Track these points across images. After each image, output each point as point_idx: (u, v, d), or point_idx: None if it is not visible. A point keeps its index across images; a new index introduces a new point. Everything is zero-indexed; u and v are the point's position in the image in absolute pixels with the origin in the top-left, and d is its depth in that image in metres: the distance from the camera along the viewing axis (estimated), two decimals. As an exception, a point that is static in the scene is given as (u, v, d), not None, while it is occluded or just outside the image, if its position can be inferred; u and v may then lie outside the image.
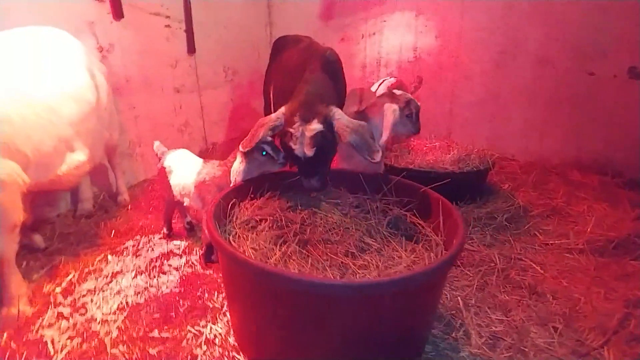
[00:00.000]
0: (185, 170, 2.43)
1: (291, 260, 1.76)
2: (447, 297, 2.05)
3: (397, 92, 2.71)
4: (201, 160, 2.48)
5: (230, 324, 1.89)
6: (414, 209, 2.08)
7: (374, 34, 4.71)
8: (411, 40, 4.49)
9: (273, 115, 2.00)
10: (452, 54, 4.27)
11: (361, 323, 1.43)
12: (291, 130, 1.93)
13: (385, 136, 2.51)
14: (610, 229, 2.61)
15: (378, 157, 1.99)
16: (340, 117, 1.98)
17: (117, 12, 3.36)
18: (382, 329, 1.47)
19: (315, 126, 1.93)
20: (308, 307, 1.43)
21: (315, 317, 1.43)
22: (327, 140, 1.96)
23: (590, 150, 3.79)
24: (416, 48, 4.48)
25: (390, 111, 2.50)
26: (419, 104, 2.65)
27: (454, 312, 1.95)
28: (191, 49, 4.24)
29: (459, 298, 2.02)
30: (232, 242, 1.79)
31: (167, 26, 3.95)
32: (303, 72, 2.22)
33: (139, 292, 2.15)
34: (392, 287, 1.34)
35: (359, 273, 1.70)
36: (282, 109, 2.01)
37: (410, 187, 2.13)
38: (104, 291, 2.15)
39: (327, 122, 1.95)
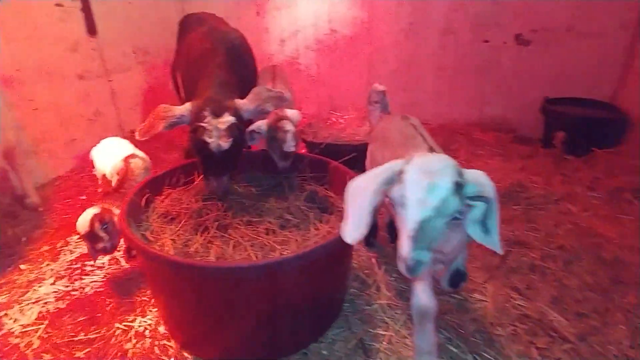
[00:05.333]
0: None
1: (213, 246, 1.84)
2: (362, 259, 2.28)
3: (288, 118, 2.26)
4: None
5: (159, 314, 1.94)
6: (327, 183, 2.24)
7: (289, 6, 4.66)
8: (325, 11, 4.53)
9: (176, 111, 1.95)
10: (365, 25, 4.41)
11: (270, 297, 1.58)
12: (203, 124, 1.91)
13: None
14: (500, 180, 3.02)
15: (287, 95, 2.08)
16: (247, 105, 2.02)
17: (-8, -6, 2.97)
18: (294, 300, 1.63)
19: (228, 118, 1.94)
20: (219, 290, 1.54)
21: (228, 298, 1.55)
22: (240, 132, 1.99)
23: (490, 111, 4.25)
24: (331, 20, 4.54)
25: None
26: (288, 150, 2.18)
27: (367, 271, 2.18)
28: (92, 29, 3.88)
29: (373, 259, 2.26)
30: (150, 237, 1.82)
31: (59, 5, 3.56)
32: (207, 59, 2.19)
33: (60, 298, 2.10)
34: (294, 263, 1.49)
35: (279, 249, 1.83)
36: (188, 106, 1.97)
37: (322, 163, 2.28)
38: (19, 303, 2.06)
39: (238, 115, 1.98)
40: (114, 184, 2.28)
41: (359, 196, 1.20)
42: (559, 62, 3.78)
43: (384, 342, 1.76)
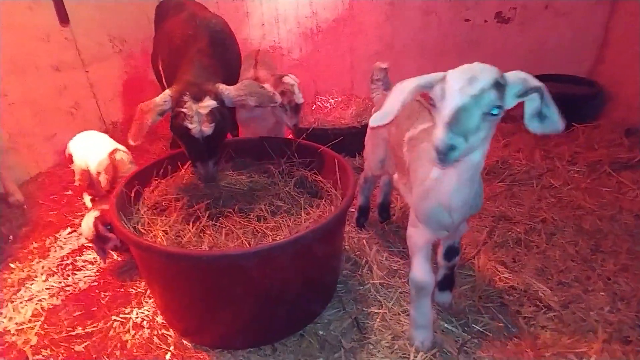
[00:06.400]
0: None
1: (205, 235, 1.85)
2: (353, 240, 2.33)
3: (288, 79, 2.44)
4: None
5: (155, 305, 1.96)
6: (315, 167, 2.25)
7: (268, -12, 4.56)
8: (306, -7, 4.45)
9: (158, 99, 1.89)
10: (346, 7, 4.36)
11: (265, 283, 1.61)
12: (184, 110, 1.86)
13: None
14: (484, 158, 3.09)
15: (278, 98, 2.08)
16: (229, 91, 1.97)
17: (-46, -17, 2.82)
18: (288, 284, 1.67)
19: (209, 102, 1.89)
20: (214, 278, 1.57)
21: (224, 285, 1.57)
22: (222, 116, 1.95)
23: (473, 89, 4.28)
24: (312, 2, 4.46)
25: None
26: (298, 101, 2.41)
27: (358, 252, 2.23)
28: (63, 18, 3.72)
29: (364, 240, 2.31)
30: (141, 229, 1.81)
31: (26, -6, 3.40)
32: (189, 47, 2.14)
33: (54, 294, 2.09)
34: (287, 248, 1.52)
35: (271, 235, 1.85)
36: (168, 91, 1.92)
37: (310, 148, 2.28)
38: (12, 301, 2.05)
39: (219, 99, 1.93)
40: (103, 184, 2.26)
41: (397, 92, 1.30)
42: (538, 40, 3.83)
43: (378, 320, 1.82)
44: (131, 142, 1.84)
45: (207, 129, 1.89)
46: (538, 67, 3.81)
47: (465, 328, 1.77)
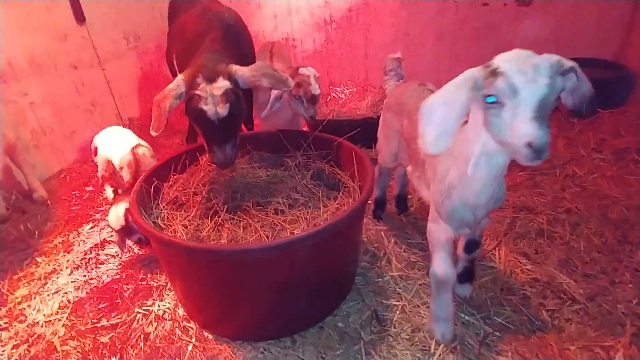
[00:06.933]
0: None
1: (224, 229, 1.86)
2: (371, 232, 2.31)
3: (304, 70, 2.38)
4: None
5: (176, 298, 1.99)
6: (332, 160, 2.23)
7: (280, -21, 4.51)
8: (318, -18, 4.38)
9: (171, 85, 1.87)
10: (360, -5, 4.28)
11: (284, 276, 1.61)
12: (198, 92, 1.82)
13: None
14: (504, 147, 3.01)
15: (291, 82, 2.03)
16: (242, 71, 1.94)
17: (-25, -15, 2.88)
18: (307, 277, 1.67)
19: (223, 83, 1.85)
20: (233, 272, 1.58)
21: (243, 279, 1.58)
22: (237, 97, 1.91)
23: (491, 76, 4.16)
24: (324, -9, 4.40)
25: None
26: (315, 92, 2.34)
27: (377, 244, 2.21)
28: (80, 17, 3.78)
29: (382, 232, 2.28)
30: (161, 224, 1.84)
31: (44, -6, 3.46)
32: (202, 39, 2.13)
33: (79, 287, 2.15)
34: (305, 242, 1.51)
35: (289, 228, 1.85)
36: (180, 76, 1.90)
37: (327, 140, 2.26)
38: (40, 294, 2.11)
39: (232, 80, 1.90)
40: (126, 178, 2.32)
41: (442, 110, 1.23)
42: (561, 22, 3.68)
43: (397, 312, 1.80)
44: (152, 133, 1.85)
45: (222, 109, 1.84)
46: (561, 51, 3.58)
47: (487, 321, 1.74)
